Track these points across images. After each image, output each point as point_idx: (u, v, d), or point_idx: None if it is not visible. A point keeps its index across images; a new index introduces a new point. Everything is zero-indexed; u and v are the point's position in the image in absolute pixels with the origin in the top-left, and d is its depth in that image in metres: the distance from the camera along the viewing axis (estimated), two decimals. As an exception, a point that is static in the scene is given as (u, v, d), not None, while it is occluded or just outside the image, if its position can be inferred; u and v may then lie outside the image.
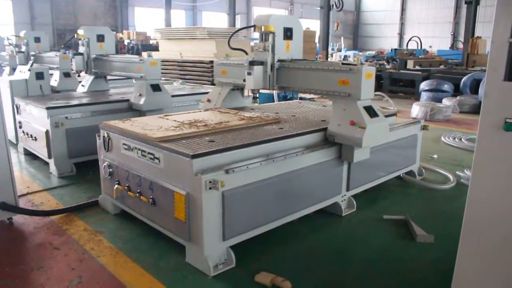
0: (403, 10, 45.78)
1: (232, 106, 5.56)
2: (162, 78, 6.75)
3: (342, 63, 4.30)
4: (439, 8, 42.67)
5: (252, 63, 4.69)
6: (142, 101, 6.28)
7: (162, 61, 6.68)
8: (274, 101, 7.69)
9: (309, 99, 10.01)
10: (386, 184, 5.50)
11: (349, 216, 4.70)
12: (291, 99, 9.29)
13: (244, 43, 15.14)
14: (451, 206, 5.05)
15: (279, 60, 4.78)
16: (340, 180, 4.63)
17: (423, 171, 6.08)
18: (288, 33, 4.82)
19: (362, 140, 4.07)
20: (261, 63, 4.73)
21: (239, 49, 5.23)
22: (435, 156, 7.10)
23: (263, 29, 4.64)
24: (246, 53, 5.04)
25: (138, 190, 3.98)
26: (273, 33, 4.66)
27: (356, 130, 4.11)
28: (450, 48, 34.83)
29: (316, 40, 21.98)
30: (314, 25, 31.02)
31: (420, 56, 20.28)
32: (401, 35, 45.72)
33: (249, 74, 4.71)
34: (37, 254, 3.88)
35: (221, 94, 5.64)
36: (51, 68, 8.02)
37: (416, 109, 10.83)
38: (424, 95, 13.26)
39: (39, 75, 7.25)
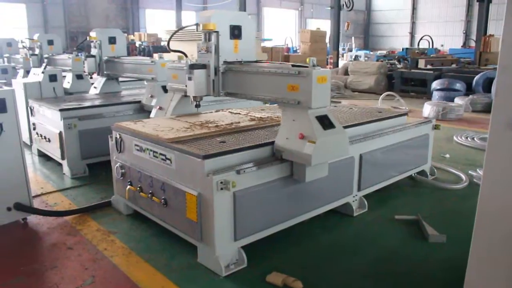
0: (414, 9, 45.52)
1: (185, 113, 5.04)
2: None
3: (292, 65, 3.68)
4: (451, 7, 42.34)
5: (192, 67, 4.15)
6: (153, 102, 6.31)
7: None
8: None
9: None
10: (398, 184, 5.48)
11: (361, 216, 4.69)
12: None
13: (255, 44, 15.16)
14: (463, 206, 5.02)
15: (225, 62, 4.24)
16: (351, 180, 4.63)
17: (435, 170, 6.04)
18: (235, 32, 4.25)
19: (311, 157, 3.43)
20: (204, 66, 4.19)
21: (178, 51, 4.79)
22: (447, 155, 7.06)
23: (201, 27, 4.11)
24: (186, 56, 4.57)
25: (150, 191, 4.01)
26: (216, 32, 4.12)
27: (305, 144, 3.48)
28: (462, 46, 34.58)
29: (327, 40, 21.95)
30: (325, 25, 30.98)
31: (431, 55, 20.16)
32: (412, 34, 45.45)
33: (189, 79, 4.18)
34: (51, 254, 3.93)
35: (173, 101, 5.13)
36: (64, 70, 8.10)
37: (428, 109, 10.77)
38: (436, 94, 13.17)
39: (52, 77, 7.33)
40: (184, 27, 5.02)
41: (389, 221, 4.56)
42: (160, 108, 5.26)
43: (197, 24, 4.24)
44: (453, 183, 5.67)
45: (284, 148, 3.68)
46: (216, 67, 4.21)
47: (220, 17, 4.14)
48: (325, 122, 3.56)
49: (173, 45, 17.70)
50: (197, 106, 4.59)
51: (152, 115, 5.39)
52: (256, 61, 4.36)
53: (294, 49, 29.47)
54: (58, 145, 6.03)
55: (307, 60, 3.54)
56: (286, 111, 3.73)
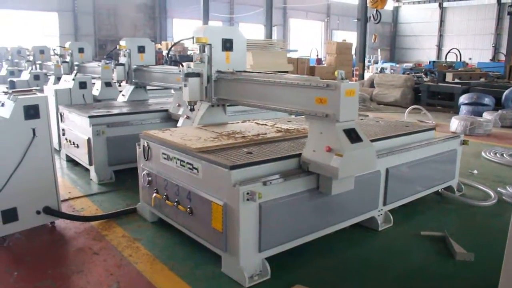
0: (441, 21, 45.10)
1: (212, 123, 5.10)
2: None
3: (321, 78, 3.79)
4: (480, 19, 41.79)
5: (187, 75, 4.70)
6: (181, 111, 6.37)
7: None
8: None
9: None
10: (424, 199, 5.39)
11: (386, 231, 4.63)
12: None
13: (280, 55, 15.23)
14: (492, 223, 4.91)
15: (217, 72, 4.74)
16: (377, 194, 4.58)
17: (463, 186, 5.93)
18: (227, 44, 4.79)
19: (338, 170, 3.41)
20: (197, 74, 4.73)
21: (176, 61, 5.28)
22: (475, 171, 6.92)
23: (195, 40, 4.65)
24: (182, 65, 5.07)
25: (176, 199, 4.05)
26: (209, 44, 4.65)
27: (332, 157, 3.47)
28: (491, 60, 34.00)
29: (353, 52, 21.88)
30: (351, 37, 30.87)
31: (459, 69, 19.86)
32: (439, 47, 44.99)
33: (185, 86, 4.74)
34: (78, 258, 3.99)
35: (200, 110, 5.22)
36: (93, 78, 8.28)
37: (455, 123, 10.60)
38: (463, 109, 12.96)
39: (82, 85, 7.49)
40: (181, 40, 5.34)
41: (415, 237, 4.50)
42: (188, 117, 5.35)
43: (192, 37, 4.71)
44: (481, 200, 5.56)
45: (311, 161, 3.68)
46: (209, 75, 4.71)
47: (213, 31, 4.67)
48: (352, 135, 3.55)
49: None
50: (192, 109, 5.08)
51: (179, 124, 5.48)
52: (256, 71, 4.76)
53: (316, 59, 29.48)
54: (86, 151, 6.14)
55: (336, 73, 3.58)
56: (314, 123, 3.75)
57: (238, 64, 4.87)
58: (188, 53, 27.66)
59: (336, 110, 3.48)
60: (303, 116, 6.24)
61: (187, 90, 4.71)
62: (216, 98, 4.79)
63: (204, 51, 4.72)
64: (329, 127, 3.58)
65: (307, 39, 42.00)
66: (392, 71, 24.23)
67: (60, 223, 4.69)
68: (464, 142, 5.66)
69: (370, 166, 3.83)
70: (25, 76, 11.00)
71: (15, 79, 10.65)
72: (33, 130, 4.27)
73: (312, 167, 3.68)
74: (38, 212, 4.43)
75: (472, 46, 41.35)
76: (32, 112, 4.24)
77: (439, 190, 5.62)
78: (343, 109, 3.47)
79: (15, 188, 4.20)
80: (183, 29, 36.16)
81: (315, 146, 3.67)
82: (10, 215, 4.24)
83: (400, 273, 3.82)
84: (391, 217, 4.73)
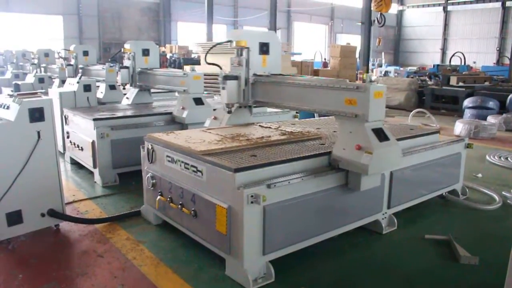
0: (446, 25, 45.01)
1: (239, 123, 5.25)
2: (204, 92, 6.87)
3: (349, 81, 3.99)
4: (484, 23, 41.70)
5: (226, 78, 4.76)
6: (184, 114, 6.41)
7: (203, 75, 6.85)
8: (315, 117, 7.68)
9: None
10: (428, 202, 5.38)
11: (390, 234, 4.62)
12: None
13: (284, 58, 15.23)
14: (496, 227, 4.89)
15: (254, 75, 4.78)
16: (381, 197, 4.58)
17: (467, 190, 5.91)
18: (264, 48, 4.85)
19: (368, 167, 3.64)
20: (235, 77, 4.78)
21: (214, 64, 5.17)
22: (480, 175, 6.90)
23: (234, 44, 4.72)
24: (220, 68, 5.02)
25: (180, 202, 4.05)
26: (247, 48, 4.70)
27: (362, 155, 3.69)
28: (495, 64, 33.94)
29: (357, 55, 21.86)
30: (355, 40, 30.91)
31: (463, 72, 19.83)
32: (443, 51, 44.89)
33: (223, 88, 4.79)
34: (82, 261, 4.00)
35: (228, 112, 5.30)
36: (97, 81, 8.30)
37: (459, 127, 10.58)
38: (467, 112, 12.94)
39: (87, 87, 7.52)
40: (219, 43, 5.33)
41: (419, 240, 4.49)
42: (215, 118, 5.44)
43: (230, 41, 4.76)
44: (485, 203, 5.54)
45: (342, 158, 3.89)
46: (247, 78, 4.74)
47: (250, 35, 4.72)
48: (380, 134, 3.78)
49: (204, 58, 17.89)
50: (229, 112, 5.11)
51: (206, 124, 5.54)
52: (288, 75, 4.81)
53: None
54: (91, 153, 6.16)
55: (364, 76, 3.83)
56: (343, 123, 3.96)
57: (273, 67, 4.93)
58: (192, 56, 27.74)
59: (365, 111, 3.69)
60: (306, 120, 6.30)
61: (226, 92, 4.77)
62: (253, 101, 4.89)
63: (241, 55, 4.76)
64: (359, 127, 3.78)
65: (311, 42, 42.04)
66: (396, 74, 24.19)
67: (64, 225, 4.70)
68: (468, 146, 5.65)
69: (396, 163, 4.11)
70: (30, 79, 11.03)
71: (20, 82, 10.68)
72: (38, 133, 4.29)
73: (343, 164, 3.89)
74: (42, 215, 4.45)
75: (477, 50, 41.27)
76: (37, 115, 4.26)
77: (443, 194, 5.60)
78: (372, 110, 3.68)
79: (19, 190, 4.23)
80: (187, 32, 36.30)
81: (345, 145, 3.88)
82: (15, 217, 4.26)
83: (404, 276, 3.81)
84: (395, 221, 4.72)
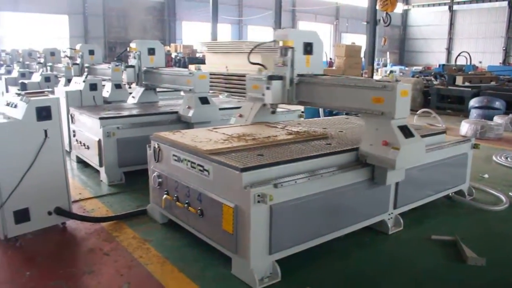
0: (451, 24, 44.85)
1: (264, 121, 5.39)
2: (209, 91, 6.88)
3: (377, 80, 4.18)
4: (491, 22, 41.52)
5: (271, 78, 4.70)
6: (190, 113, 6.41)
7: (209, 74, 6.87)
8: (320, 116, 7.67)
9: (355, 114, 9.92)
10: (435, 203, 5.36)
11: (396, 234, 4.61)
12: (337, 114, 9.24)
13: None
14: (503, 228, 4.88)
15: (298, 75, 4.74)
16: (388, 197, 4.57)
17: (473, 191, 5.89)
18: (308, 48, 4.78)
19: (395, 162, 3.84)
20: (280, 77, 4.72)
21: (257, 63, 5.14)
22: (486, 175, 6.87)
23: (281, 44, 4.67)
24: (265, 68, 4.96)
25: (187, 201, 4.06)
26: (292, 48, 4.65)
27: (389, 151, 3.89)
28: (501, 63, 33.77)
29: (362, 55, 21.82)
30: (360, 40, 30.81)
31: (469, 72, 19.74)
32: (449, 50, 44.74)
33: (268, 88, 4.73)
34: (88, 259, 4.02)
35: (253, 109, 5.47)
36: (103, 80, 8.32)
37: (465, 127, 10.54)
38: (473, 112, 12.88)
39: (93, 86, 7.55)
40: (262, 43, 5.33)
41: (425, 241, 4.47)
42: (240, 116, 5.51)
43: (274, 41, 4.77)
44: (492, 204, 5.52)
45: (369, 154, 4.08)
46: (291, 78, 4.70)
47: (295, 35, 4.67)
48: (406, 131, 3.96)
49: (210, 57, 17.82)
50: (273, 112, 5.16)
51: (231, 122, 5.66)
52: (329, 75, 4.86)
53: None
54: (97, 152, 6.18)
55: (391, 76, 4.06)
56: (369, 120, 4.15)
57: (316, 68, 4.88)
58: (197, 55, 27.77)
59: (392, 109, 3.86)
60: (312, 119, 6.29)
61: (270, 92, 4.71)
62: (297, 101, 4.84)
63: (286, 55, 4.70)
64: (385, 124, 3.96)
65: (316, 42, 41.93)
66: (401, 74, 24.10)
67: (71, 223, 4.72)
68: (475, 146, 5.62)
69: (421, 159, 4.28)
70: (36, 78, 11.05)
71: (26, 81, 10.70)
72: (45, 131, 4.30)
73: (370, 159, 4.09)
74: (49, 213, 4.46)
75: (482, 49, 41.09)
76: (44, 113, 4.27)
77: (450, 194, 5.59)
78: (398, 108, 3.86)
79: (27, 188, 4.24)
80: (192, 32, 36.35)
81: (372, 141, 4.07)
82: (22, 215, 4.28)
83: (410, 277, 3.81)
84: (401, 221, 4.71)
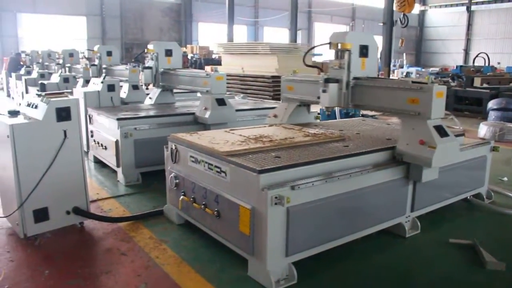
0: (469, 25, 44.29)
1: (298, 122, 5.56)
2: (226, 93, 6.89)
3: (413, 82, 4.23)
4: (509, 23, 40.95)
5: (327, 81, 4.60)
6: (207, 114, 6.43)
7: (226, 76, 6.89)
8: (336, 118, 7.64)
9: (372, 116, 9.87)
10: (452, 206, 5.30)
11: (413, 237, 4.57)
12: (353, 116, 9.20)
13: (306, 58, 15.18)
14: (523, 233, 4.80)
15: (354, 78, 4.65)
16: (405, 200, 4.53)
17: (492, 194, 5.81)
18: (364, 51, 4.70)
19: (432, 160, 3.98)
20: (337, 80, 4.62)
21: (314, 66, 5.16)
22: (505, 178, 6.77)
23: (339, 47, 4.58)
24: (322, 70, 4.93)
25: (204, 202, 4.07)
26: (349, 50, 4.57)
27: (426, 149, 4.03)
28: (520, 65, 33.20)
29: (378, 56, 21.69)
30: (376, 40, 30.59)
31: (488, 73, 19.48)
32: (466, 51, 44.20)
33: (324, 91, 4.61)
34: (106, 259, 4.06)
35: (288, 110, 5.67)
36: (120, 81, 8.39)
37: (484, 129, 10.40)
38: (492, 114, 12.69)
39: (111, 87, 7.62)
40: (315, 46, 5.30)
41: (443, 245, 4.42)
42: (275, 116, 5.60)
43: (330, 43, 4.69)
44: (511, 208, 5.43)
45: (406, 152, 4.25)
46: (347, 81, 4.63)
47: (353, 37, 4.62)
48: (441, 131, 4.11)
49: (226, 58, 17.87)
50: (328, 115, 4.99)
51: (267, 121, 5.77)
52: (380, 78, 4.88)
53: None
54: (114, 152, 6.24)
55: (426, 77, 4.16)
56: (406, 120, 4.32)
57: (371, 71, 4.81)
58: (213, 56, 27.86)
59: (428, 109, 4.01)
60: (329, 121, 6.27)
61: (327, 95, 4.60)
62: (352, 104, 4.74)
63: (343, 57, 4.62)
64: (421, 124, 4.11)
65: (332, 43, 41.76)
66: (418, 75, 23.90)
67: (88, 223, 4.77)
68: (494, 149, 5.54)
69: (456, 158, 4.45)
70: (55, 78, 11.22)
71: (45, 82, 10.87)
72: (65, 132, 4.36)
73: (406, 157, 4.26)
74: (68, 212, 4.52)
75: (501, 50, 40.52)
76: (64, 114, 4.34)
77: (468, 197, 5.52)
78: (434, 108, 4.00)
79: (46, 188, 4.31)
80: (208, 33, 36.49)
81: (408, 140, 4.23)
82: (42, 214, 4.34)
83: (428, 281, 3.77)
84: (419, 224, 4.67)
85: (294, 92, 5.63)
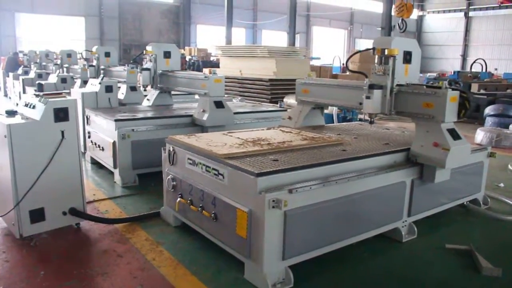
0: (467, 31, 44.51)
1: (312, 124, 5.77)
2: (224, 95, 6.90)
3: (427, 86, 4.39)
4: (507, 29, 41.14)
5: (371, 87, 4.51)
6: (205, 117, 6.43)
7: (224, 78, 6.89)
8: (334, 122, 7.66)
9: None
10: (449, 211, 5.31)
11: (410, 242, 4.57)
12: (350, 120, 9.23)
13: (303, 62, 15.23)
14: (519, 239, 4.81)
15: (397, 85, 4.57)
16: (402, 205, 4.54)
17: (489, 200, 5.82)
18: (407, 57, 4.64)
19: (446, 162, 4.16)
20: (381, 87, 4.53)
21: (359, 72, 5.08)
22: (502, 184, 6.79)
23: (386, 52, 4.47)
24: (366, 76, 4.73)
25: (201, 205, 4.07)
26: (394, 56, 4.49)
27: (440, 151, 4.20)
28: (517, 71, 33.34)
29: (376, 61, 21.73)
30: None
31: (485, 79, 19.56)
32: (464, 57, 44.41)
33: (368, 98, 4.53)
34: (102, 260, 4.04)
35: (302, 112, 5.76)
36: (118, 82, 8.38)
37: (480, 135, 10.43)
38: (489, 120, 12.74)
39: (108, 88, 7.61)
40: (363, 51, 5.19)
41: (439, 250, 4.42)
42: (289, 118, 5.68)
43: (374, 48, 4.59)
44: (508, 214, 5.44)
45: (420, 154, 4.42)
46: (391, 88, 4.58)
47: (398, 43, 4.55)
48: (454, 134, 4.29)
49: (224, 61, 17.86)
50: (371, 122, 5.12)
51: (281, 123, 5.91)
52: (420, 84, 4.74)
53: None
54: (111, 154, 6.23)
55: (441, 82, 4.34)
56: (420, 123, 4.48)
57: (413, 77, 4.76)
58: (211, 58, 27.87)
59: (442, 113, 4.19)
60: (327, 125, 6.27)
61: (371, 102, 4.52)
62: (395, 111, 4.66)
63: (387, 63, 4.52)
64: (435, 127, 4.29)
65: (330, 47, 41.88)
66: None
67: (85, 224, 4.75)
68: (491, 155, 5.56)
69: (467, 160, 4.67)
70: (53, 79, 11.19)
71: (43, 82, 10.84)
72: (62, 132, 4.35)
73: (421, 159, 4.43)
74: (64, 213, 4.51)
75: (498, 57, 40.71)
76: (61, 114, 4.33)
77: (465, 203, 5.53)
78: (448, 112, 4.17)
79: (43, 188, 4.29)
80: (207, 35, 36.52)
81: (423, 142, 4.40)
82: (38, 215, 4.33)
83: (424, 286, 3.77)
84: (415, 229, 4.67)
85: (308, 95, 5.73)
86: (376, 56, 4.59)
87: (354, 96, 5.00)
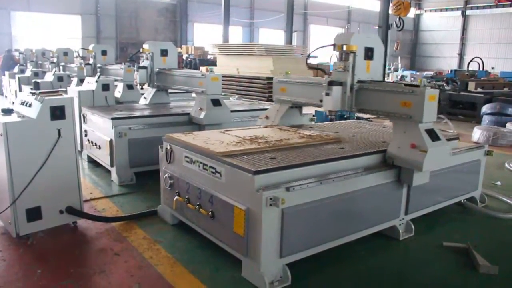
0: (464, 29, 44.53)
1: (290, 124, 5.56)
2: (222, 93, 6.88)
3: (405, 84, 4.21)
4: (504, 28, 41.19)
5: (331, 83, 4.43)
6: (202, 115, 6.42)
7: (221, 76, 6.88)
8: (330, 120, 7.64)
9: (366, 119, 9.87)
10: (446, 209, 5.32)
11: (407, 240, 4.58)
12: (347, 118, 9.21)
13: (300, 60, 15.22)
14: (516, 236, 4.82)
15: (359, 81, 4.52)
16: (399, 203, 4.54)
17: (486, 198, 5.83)
18: (369, 53, 4.58)
19: (422, 164, 3.97)
20: (340, 83, 4.47)
21: (317, 68, 5.10)
22: (499, 183, 6.80)
23: (344, 48, 4.43)
24: (325, 72, 4.78)
25: (198, 203, 4.06)
26: (354, 52, 4.45)
27: (417, 153, 4.01)
28: (514, 70, 33.40)
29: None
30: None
31: (482, 78, 19.57)
32: (461, 56, 44.42)
33: (327, 94, 4.46)
34: (99, 259, 4.04)
35: (280, 111, 5.66)
36: (115, 80, 8.36)
37: (477, 133, 10.45)
38: (486, 119, 12.77)
39: (105, 87, 7.60)
40: (324, 46, 5.12)
41: (436, 248, 4.43)
42: (267, 117, 5.61)
43: (334, 44, 4.52)
44: (504, 212, 5.45)
45: (396, 156, 4.22)
46: (352, 84, 4.51)
47: (358, 39, 4.48)
48: (433, 134, 4.09)
49: (221, 59, 17.85)
50: (332, 120, 4.93)
51: (258, 123, 5.77)
52: (383, 81, 4.75)
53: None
54: (108, 152, 6.21)
55: (419, 80, 4.11)
56: (397, 124, 4.28)
57: (376, 74, 4.70)
58: (208, 57, 27.81)
59: (419, 113, 3.98)
60: (324, 123, 6.27)
61: (330, 99, 4.44)
62: (356, 108, 4.62)
63: (347, 60, 4.46)
64: (413, 127, 4.08)
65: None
66: (412, 79, 23.98)
67: (82, 223, 4.74)
68: (488, 153, 5.57)
69: (447, 162, 4.44)
70: (49, 77, 11.15)
71: (39, 80, 10.81)
72: (59, 130, 4.33)
73: (397, 161, 4.23)
74: (61, 212, 4.48)
75: (495, 55, 40.77)
76: (58, 113, 4.30)
77: (462, 201, 5.54)
78: (426, 112, 3.97)
79: (39, 187, 4.27)
80: (203, 34, 36.44)
81: (400, 143, 4.21)
82: (34, 213, 4.31)
83: (421, 284, 3.78)
84: (413, 227, 4.67)
85: (286, 93, 5.61)
86: (337, 52, 4.55)
87: (317, 93, 4.90)
